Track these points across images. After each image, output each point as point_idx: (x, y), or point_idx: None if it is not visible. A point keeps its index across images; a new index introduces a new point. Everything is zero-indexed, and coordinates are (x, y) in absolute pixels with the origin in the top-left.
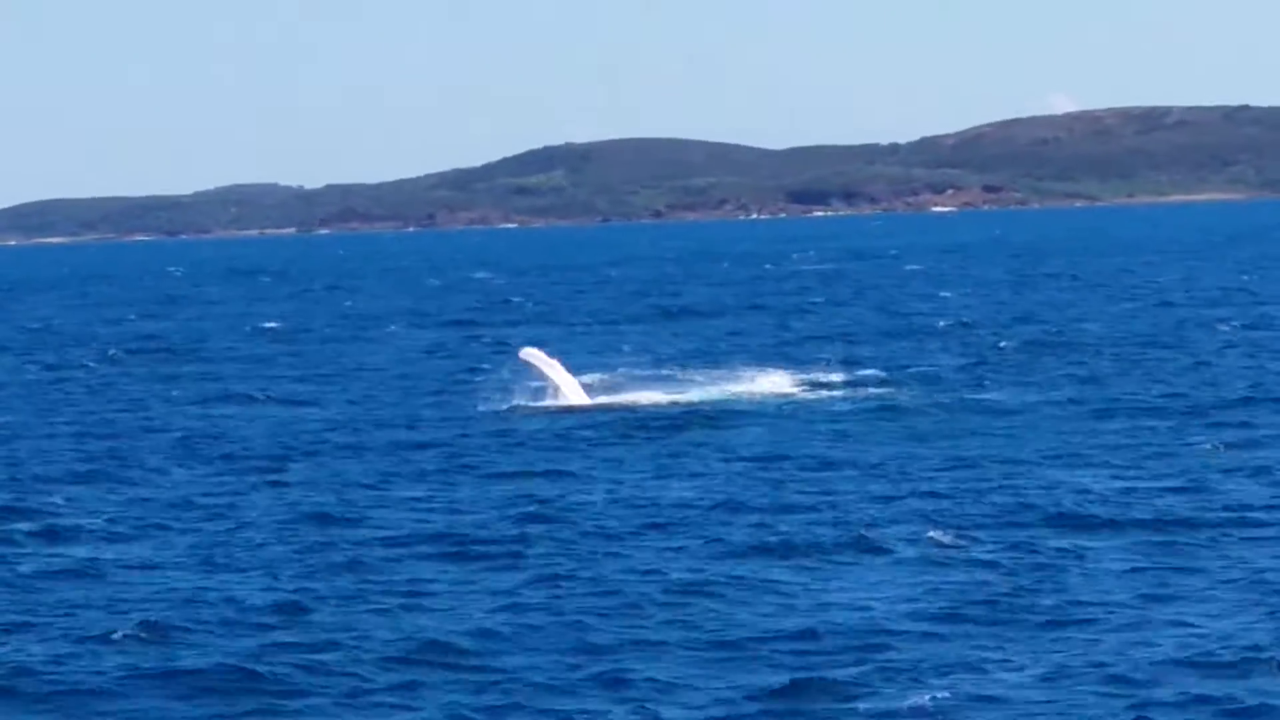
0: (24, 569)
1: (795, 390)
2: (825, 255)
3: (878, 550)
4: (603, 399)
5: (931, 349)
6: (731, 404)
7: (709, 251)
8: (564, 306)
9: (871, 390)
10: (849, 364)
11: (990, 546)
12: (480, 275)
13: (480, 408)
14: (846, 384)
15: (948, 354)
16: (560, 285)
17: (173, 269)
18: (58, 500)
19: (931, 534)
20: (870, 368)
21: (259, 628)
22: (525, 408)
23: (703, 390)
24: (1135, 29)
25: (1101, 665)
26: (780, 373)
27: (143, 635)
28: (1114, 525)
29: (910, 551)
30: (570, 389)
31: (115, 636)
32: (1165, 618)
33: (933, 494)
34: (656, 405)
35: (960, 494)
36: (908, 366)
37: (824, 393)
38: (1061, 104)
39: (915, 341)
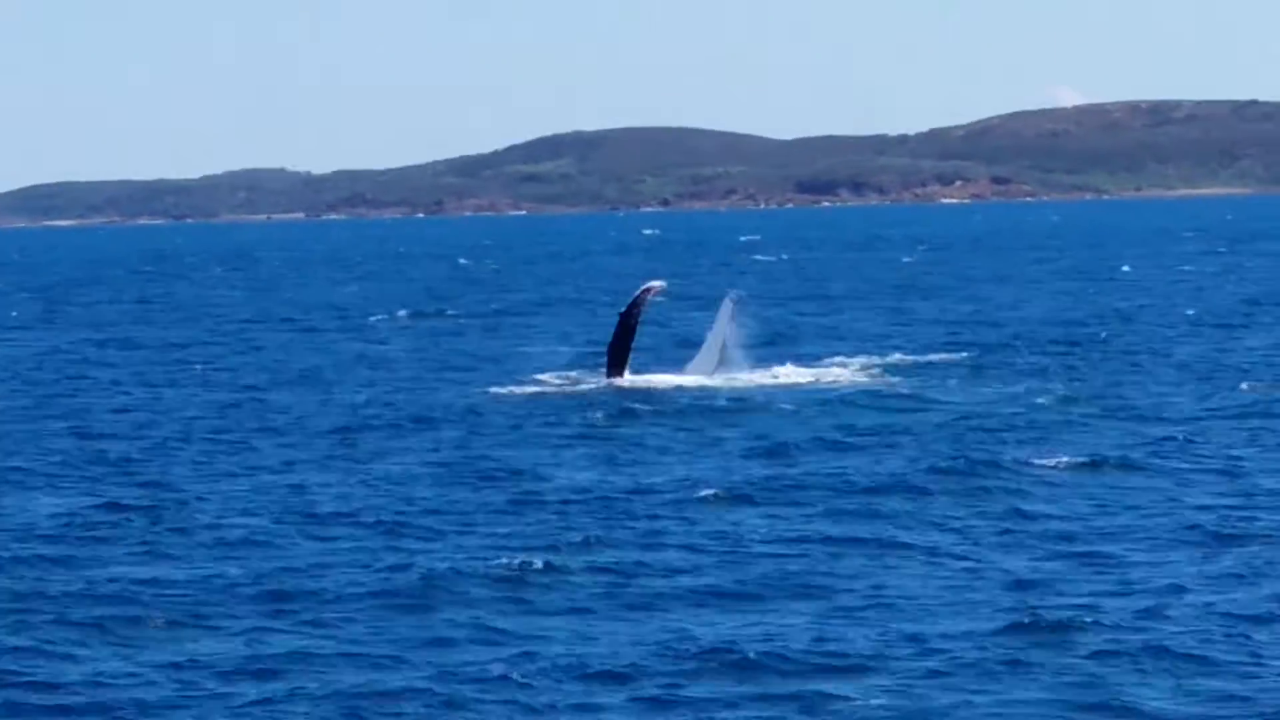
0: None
1: (806, 380)
2: (835, 245)
3: (894, 551)
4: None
5: (938, 341)
6: (755, 392)
7: (721, 241)
8: (573, 292)
9: (886, 380)
10: (861, 355)
11: (1016, 551)
12: (489, 264)
13: (488, 390)
14: (861, 374)
15: (960, 348)
16: (566, 272)
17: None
18: (31, 492)
19: (944, 536)
20: (882, 356)
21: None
22: (510, 394)
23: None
24: (1142, 23)
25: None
26: (790, 364)
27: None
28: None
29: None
30: (705, 360)
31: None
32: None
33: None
34: (681, 389)
35: (975, 494)
36: (916, 356)
37: (837, 383)
38: (1067, 97)
39: (920, 332)
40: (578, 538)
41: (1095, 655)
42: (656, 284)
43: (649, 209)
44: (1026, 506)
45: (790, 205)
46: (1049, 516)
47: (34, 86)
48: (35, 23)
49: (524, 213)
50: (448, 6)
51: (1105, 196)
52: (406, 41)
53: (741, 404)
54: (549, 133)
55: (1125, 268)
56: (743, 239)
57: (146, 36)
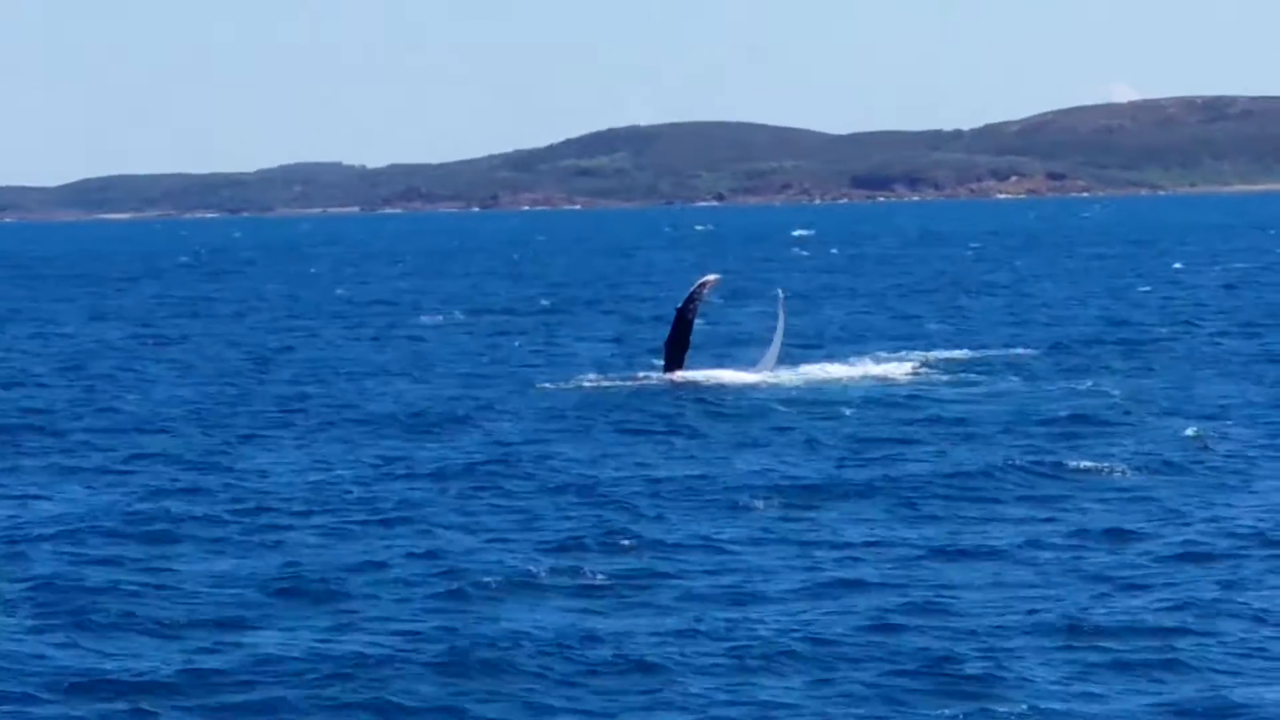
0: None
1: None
2: (890, 240)
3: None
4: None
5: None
6: (811, 389)
7: (774, 236)
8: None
9: (944, 377)
10: (918, 351)
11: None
12: (542, 259)
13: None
14: (920, 370)
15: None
16: (610, 270)
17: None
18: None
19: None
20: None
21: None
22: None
23: (791, 374)
24: (1198, 18)
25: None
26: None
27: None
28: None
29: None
30: (770, 357)
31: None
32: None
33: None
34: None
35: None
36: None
37: (893, 379)
38: (1123, 93)
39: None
40: (627, 541)
41: (1161, 663)
42: (712, 278)
43: (704, 204)
44: (1087, 507)
45: (845, 200)
46: (1111, 518)
47: (89, 79)
48: (91, 16)
49: (578, 207)
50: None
51: (1161, 193)
52: (462, 35)
53: (797, 401)
54: (604, 127)
55: (1177, 265)
56: (795, 233)
57: (202, 30)
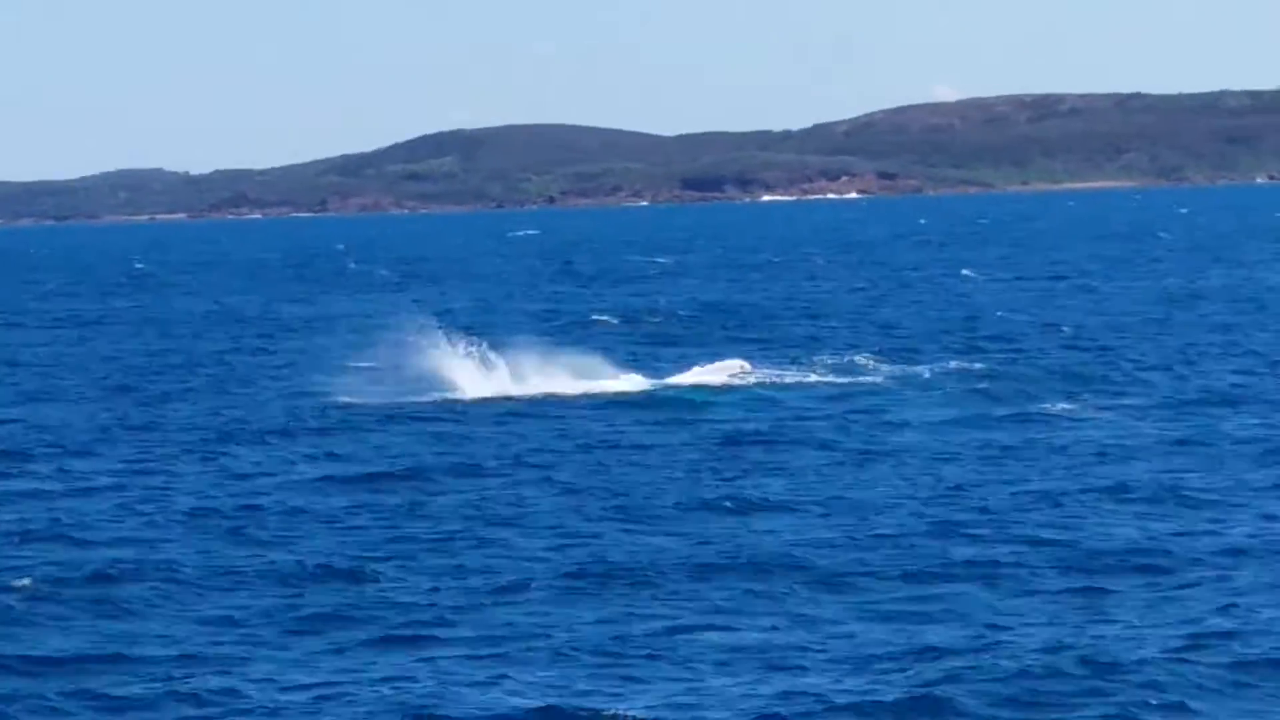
0: None
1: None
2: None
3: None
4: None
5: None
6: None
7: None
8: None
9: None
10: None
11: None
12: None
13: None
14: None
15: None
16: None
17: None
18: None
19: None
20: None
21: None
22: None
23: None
24: (1017, 18)
25: None
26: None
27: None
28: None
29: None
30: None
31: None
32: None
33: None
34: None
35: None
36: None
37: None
38: (945, 94)
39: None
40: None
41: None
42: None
43: (534, 207)
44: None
45: (677, 201)
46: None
47: None
48: None
49: (420, 210)
50: (325, 3)
51: (993, 191)
52: (286, 39)
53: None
54: (432, 131)
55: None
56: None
57: (24, 33)
